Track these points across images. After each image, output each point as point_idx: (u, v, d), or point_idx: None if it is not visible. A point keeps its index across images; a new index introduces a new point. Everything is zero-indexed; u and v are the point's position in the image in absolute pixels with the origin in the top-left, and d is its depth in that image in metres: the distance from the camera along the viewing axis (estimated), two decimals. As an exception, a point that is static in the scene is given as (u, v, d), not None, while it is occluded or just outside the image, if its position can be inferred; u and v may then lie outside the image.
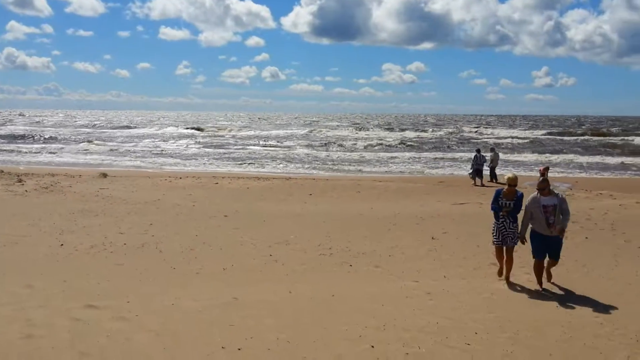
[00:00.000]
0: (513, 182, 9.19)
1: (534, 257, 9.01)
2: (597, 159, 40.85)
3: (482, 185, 24.04)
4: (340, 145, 55.20)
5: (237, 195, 19.80)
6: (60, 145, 52.20)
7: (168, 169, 32.93)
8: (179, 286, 8.93)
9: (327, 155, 44.25)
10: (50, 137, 64.66)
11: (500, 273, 9.51)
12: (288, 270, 10.07)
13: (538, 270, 9.04)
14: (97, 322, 7.19)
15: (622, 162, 37.73)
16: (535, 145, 54.49)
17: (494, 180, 25.80)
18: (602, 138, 64.84)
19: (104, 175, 24.85)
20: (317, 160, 40.27)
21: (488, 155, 27.11)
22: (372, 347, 6.54)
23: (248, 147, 52.55)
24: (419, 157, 42.46)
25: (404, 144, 56.78)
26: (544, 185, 8.88)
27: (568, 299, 8.41)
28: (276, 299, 8.35)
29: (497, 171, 26.60)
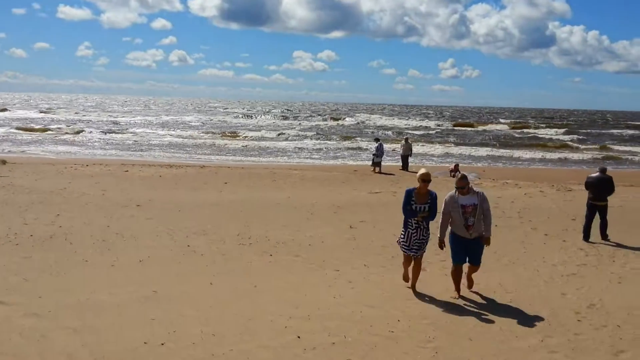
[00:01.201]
0: (427, 177, 7.99)
1: (453, 262, 8.20)
2: (494, 150, 42.76)
3: (380, 172, 24.70)
4: (234, 134, 53.94)
5: (149, 183, 19.19)
6: None
7: (68, 157, 31.42)
8: (93, 279, 8.54)
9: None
10: None
11: (406, 278, 8.66)
12: (207, 261, 9.87)
13: (456, 276, 8.22)
14: (8, 319, 6.76)
15: (510, 155, 39.65)
16: (434, 136, 56.22)
17: (405, 169, 26.52)
18: (498, 129, 68.48)
19: (3, 162, 23.36)
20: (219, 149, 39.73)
21: (399, 145, 27.83)
22: (299, 337, 6.54)
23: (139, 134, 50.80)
24: (325, 146, 42.77)
25: (306, 132, 56.77)
26: (463, 184, 7.92)
27: (483, 285, 8.76)
28: (197, 291, 8.17)
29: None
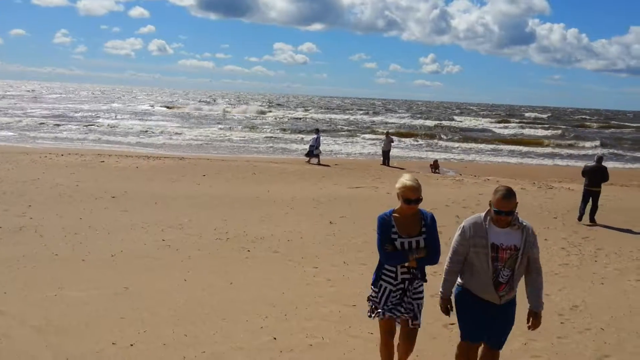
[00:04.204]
0: (415, 194, 4.52)
1: (462, 338, 4.82)
2: (475, 146, 42.94)
3: (319, 164, 24.85)
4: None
5: (125, 175, 18.77)
6: None
7: (40, 145, 30.77)
8: (62, 275, 8.20)
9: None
10: None
11: None
12: (183, 256, 9.57)
13: None
14: (-32, 317, 6.41)
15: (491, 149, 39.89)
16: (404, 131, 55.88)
17: (386, 164, 26.38)
18: (479, 125, 68.69)
19: (-25, 150, 22.75)
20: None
21: (381, 140, 27.67)
22: (275, 338, 6.30)
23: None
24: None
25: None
26: (507, 206, 4.35)
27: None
28: (171, 288, 7.88)
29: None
